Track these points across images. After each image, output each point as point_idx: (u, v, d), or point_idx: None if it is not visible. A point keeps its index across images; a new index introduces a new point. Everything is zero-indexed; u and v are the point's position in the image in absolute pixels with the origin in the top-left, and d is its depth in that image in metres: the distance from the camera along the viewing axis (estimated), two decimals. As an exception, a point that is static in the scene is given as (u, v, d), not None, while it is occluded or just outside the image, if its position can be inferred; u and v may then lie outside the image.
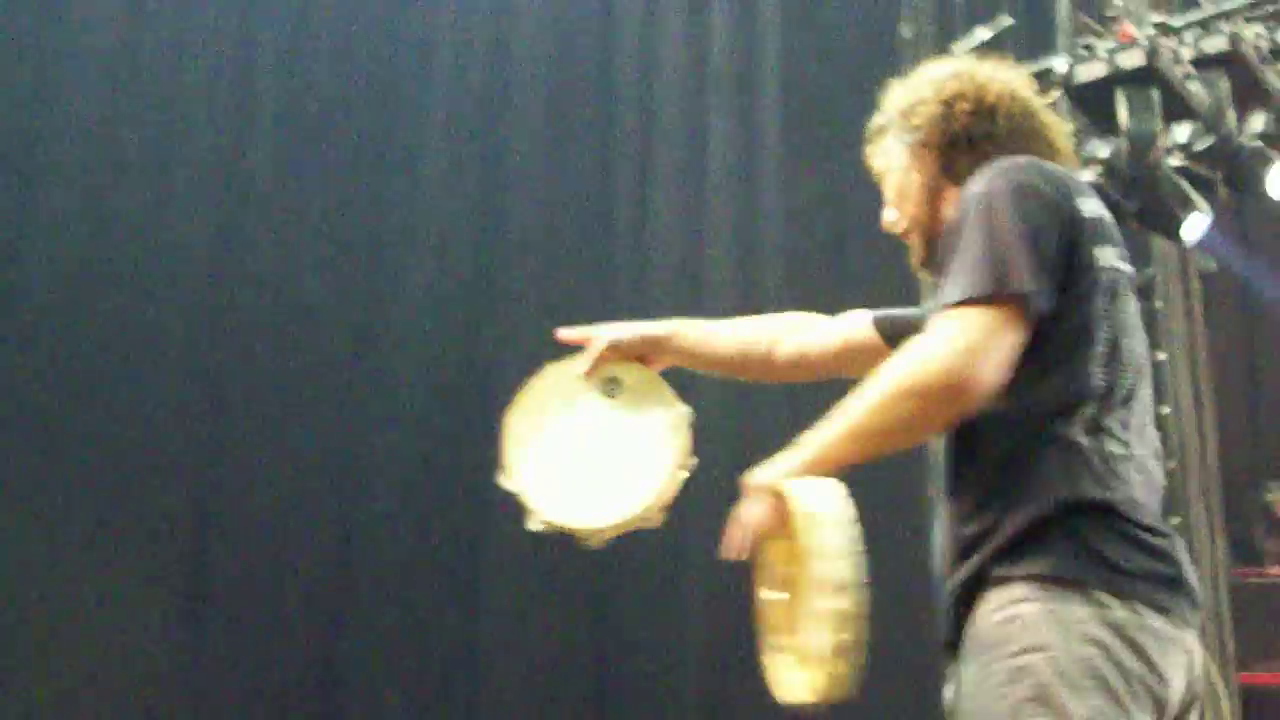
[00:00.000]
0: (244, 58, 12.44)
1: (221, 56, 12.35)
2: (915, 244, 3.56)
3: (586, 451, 3.73)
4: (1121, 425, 3.14)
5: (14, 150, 11.80)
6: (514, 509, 3.83)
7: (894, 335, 3.67)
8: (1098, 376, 3.14)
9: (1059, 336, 3.15)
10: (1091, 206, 3.25)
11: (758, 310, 4.56)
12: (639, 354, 3.89)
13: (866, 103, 3.64)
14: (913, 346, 3.07)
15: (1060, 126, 3.61)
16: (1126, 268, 3.31)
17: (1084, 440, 3.08)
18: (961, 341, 2.99)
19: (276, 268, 11.77)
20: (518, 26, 12.05)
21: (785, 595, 3.16)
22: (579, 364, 3.80)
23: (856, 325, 3.82)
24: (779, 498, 3.05)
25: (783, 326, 3.97)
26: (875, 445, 3.08)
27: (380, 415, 11.76)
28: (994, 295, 3.00)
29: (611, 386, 3.88)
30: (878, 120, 3.64)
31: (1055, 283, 3.07)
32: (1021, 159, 3.32)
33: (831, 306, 4.14)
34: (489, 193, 11.57)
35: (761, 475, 3.11)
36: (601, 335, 3.84)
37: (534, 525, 3.62)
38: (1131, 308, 3.30)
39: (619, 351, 3.87)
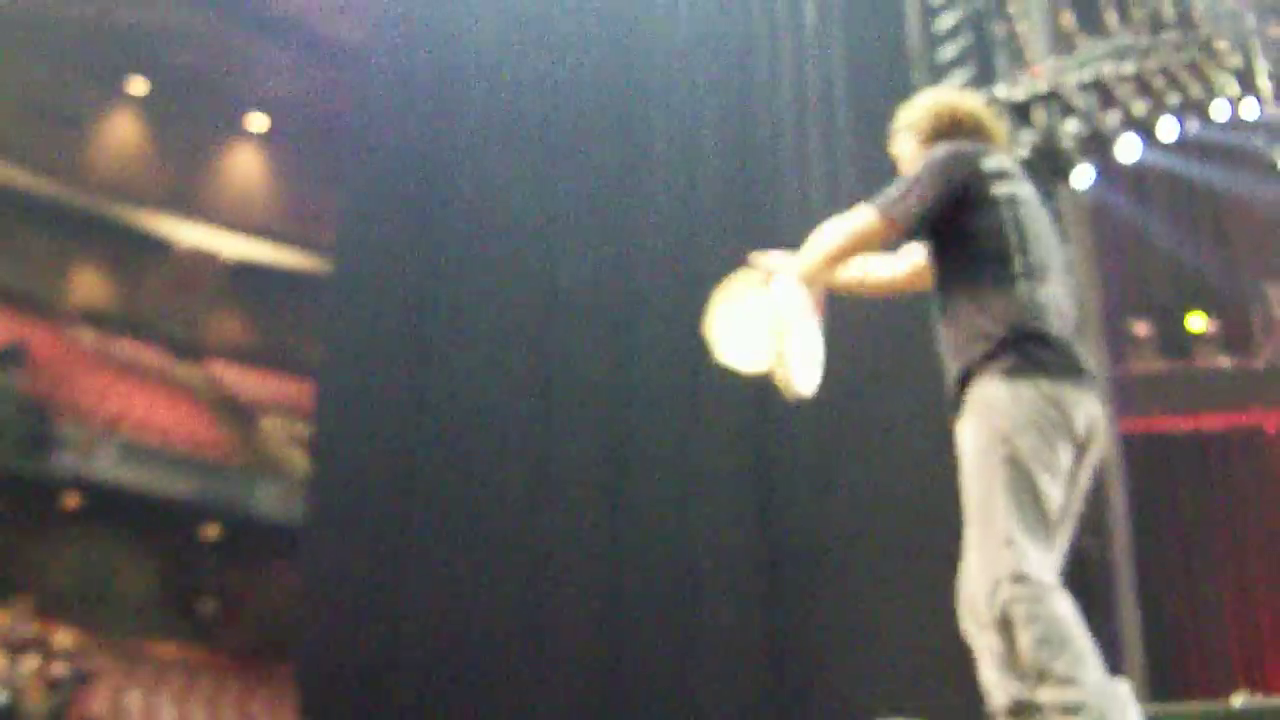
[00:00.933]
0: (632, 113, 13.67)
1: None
2: None
3: (751, 326, 3.98)
4: (1043, 284, 3.62)
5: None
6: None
7: None
8: (1018, 260, 3.62)
9: (984, 239, 3.65)
10: (993, 163, 3.76)
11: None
12: None
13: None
14: (842, 219, 3.78)
15: (998, 125, 4.07)
16: (1027, 193, 3.77)
17: (1024, 296, 3.57)
18: (858, 223, 3.74)
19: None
20: (708, 117, 13.09)
21: (743, 313, 3.89)
22: (757, 275, 4.05)
23: (917, 254, 4.15)
24: (773, 279, 3.82)
25: (875, 261, 4.20)
26: (828, 268, 3.82)
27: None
28: (880, 210, 3.74)
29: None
30: (894, 125, 4.14)
31: (931, 211, 3.69)
32: (949, 145, 3.84)
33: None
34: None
35: (775, 262, 3.89)
36: (770, 258, 4.11)
37: (717, 360, 4.01)
38: (1039, 215, 3.76)
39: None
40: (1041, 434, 3.41)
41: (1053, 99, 9.47)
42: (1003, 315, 3.55)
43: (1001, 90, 9.58)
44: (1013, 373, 3.48)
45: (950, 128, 3.94)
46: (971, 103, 4.07)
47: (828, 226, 3.79)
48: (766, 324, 3.87)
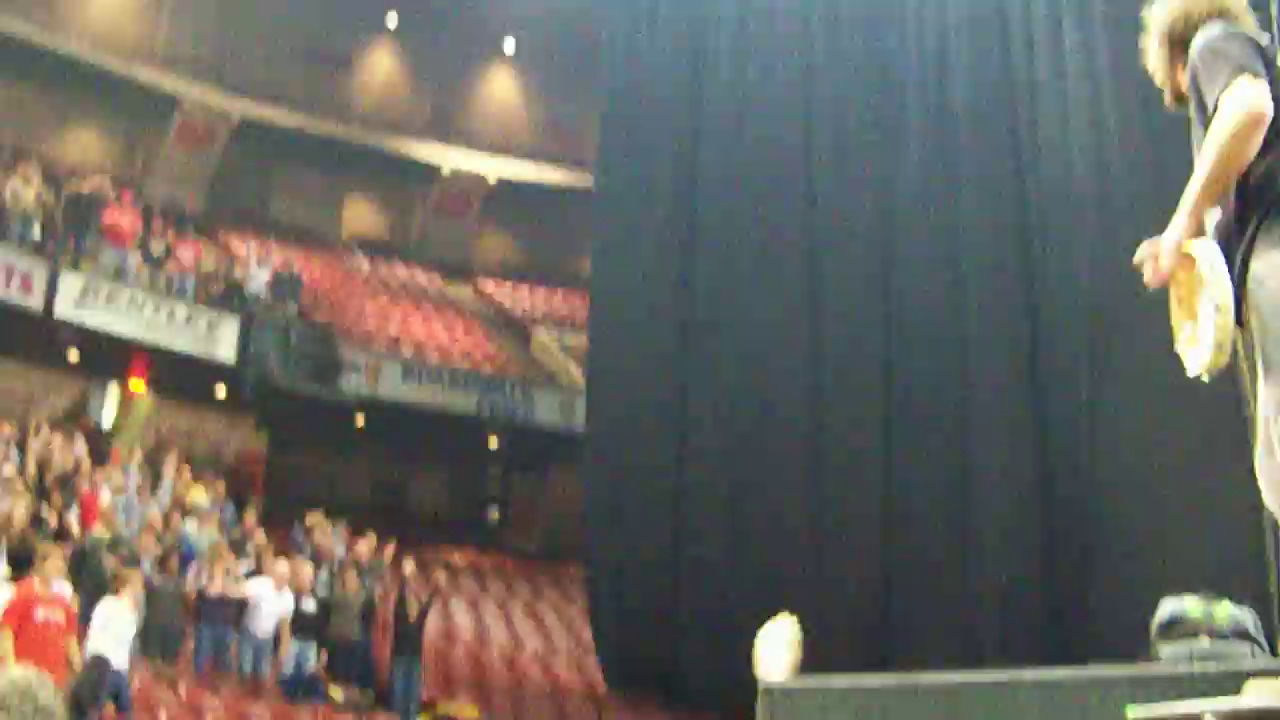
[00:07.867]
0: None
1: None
2: (1167, 91, 3.98)
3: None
4: None
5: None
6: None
7: None
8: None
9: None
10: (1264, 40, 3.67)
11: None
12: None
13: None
14: (1217, 120, 3.44)
15: (1243, 8, 3.83)
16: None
17: None
18: (1238, 102, 3.37)
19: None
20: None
21: (1185, 307, 3.53)
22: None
23: None
24: (1183, 254, 3.50)
25: None
26: (1224, 183, 3.45)
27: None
28: (1235, 72, 3.44)
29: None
30: (1144, 30, 4.01)
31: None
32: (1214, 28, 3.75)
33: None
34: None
35: (1169, 238, 3.53)
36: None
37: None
38: None
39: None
40: None
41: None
42: (1272, 178, 3.40)
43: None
44: None
45: (1189, 28, 3.75)
46: None
47: (1207, 148, 3.44)
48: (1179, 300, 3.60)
